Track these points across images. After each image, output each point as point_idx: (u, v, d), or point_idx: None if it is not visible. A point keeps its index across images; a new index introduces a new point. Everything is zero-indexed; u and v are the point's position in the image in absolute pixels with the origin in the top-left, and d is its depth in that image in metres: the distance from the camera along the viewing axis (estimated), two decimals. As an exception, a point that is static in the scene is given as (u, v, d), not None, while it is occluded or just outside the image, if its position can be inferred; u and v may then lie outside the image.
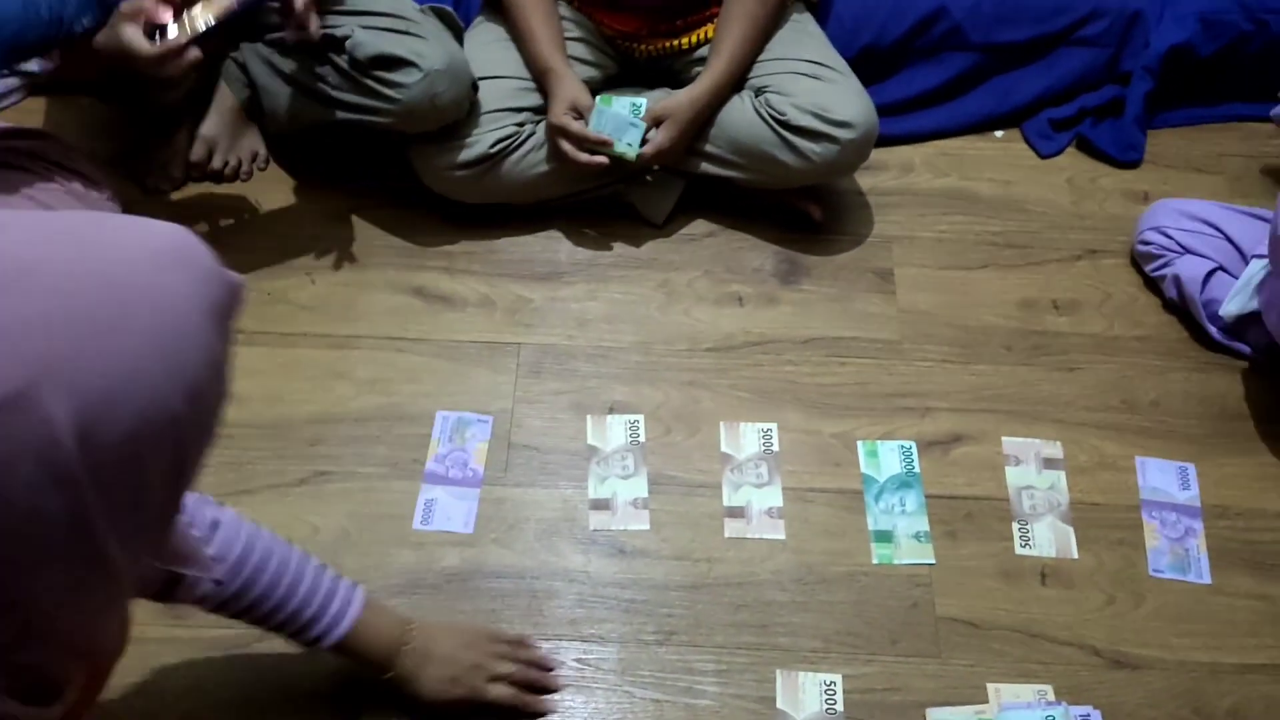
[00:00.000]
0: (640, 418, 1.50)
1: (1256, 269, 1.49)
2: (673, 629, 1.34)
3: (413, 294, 1.61)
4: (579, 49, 1.64)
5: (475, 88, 1.55)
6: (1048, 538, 1.42)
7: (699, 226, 1.71)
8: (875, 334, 1.60)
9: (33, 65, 1.74)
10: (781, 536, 1.41)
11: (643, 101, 1.58)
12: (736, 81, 1.60)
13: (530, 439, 1.48)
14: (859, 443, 1.49)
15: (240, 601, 1.06)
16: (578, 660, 1.31)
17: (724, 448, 1.48)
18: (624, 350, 1.57)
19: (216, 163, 1.67)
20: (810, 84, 1.57)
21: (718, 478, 1.46)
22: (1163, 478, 1.48)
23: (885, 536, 1.42)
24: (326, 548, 1.37)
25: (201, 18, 1.23)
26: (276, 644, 1.29)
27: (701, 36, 1.65)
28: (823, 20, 1.74)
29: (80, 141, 1.49)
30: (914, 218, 1.75)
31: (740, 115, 1.59)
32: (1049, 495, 1.46)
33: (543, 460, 1.46)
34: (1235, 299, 1.51)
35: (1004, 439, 1.50)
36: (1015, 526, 1.43)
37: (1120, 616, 1.37)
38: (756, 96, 1.59)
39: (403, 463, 1.45)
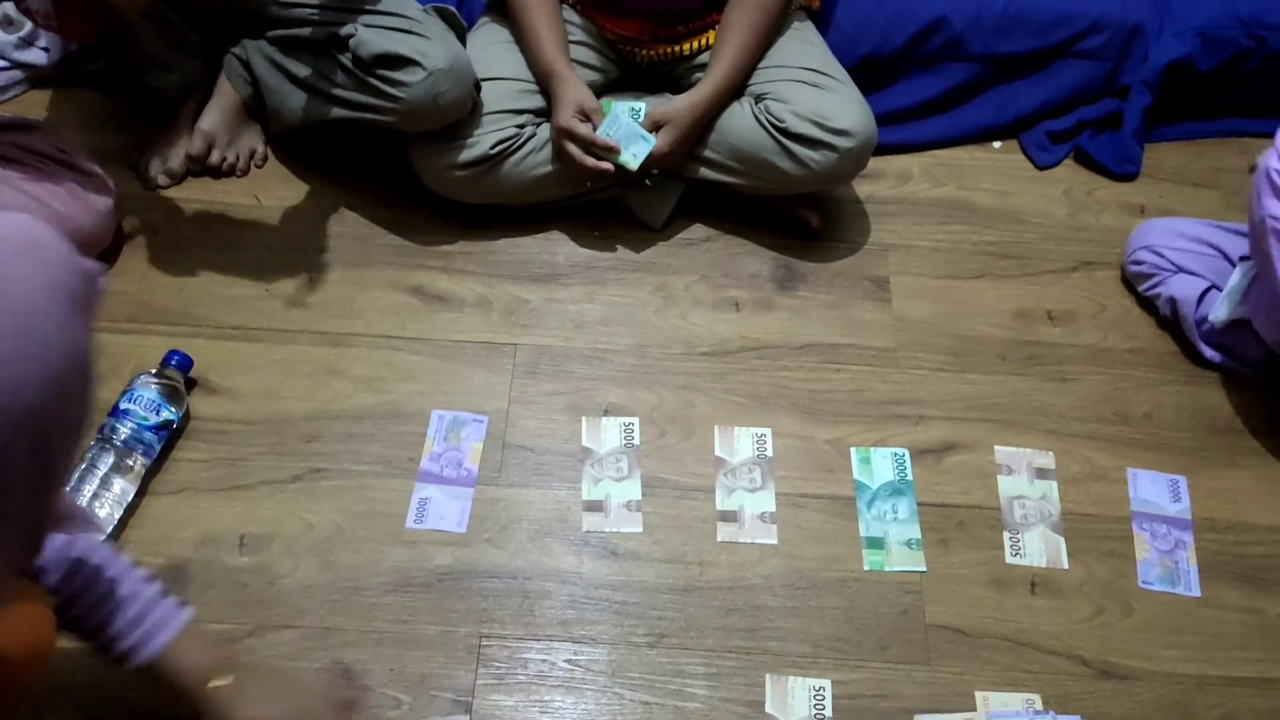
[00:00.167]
0: (635, 420, 1.51)
1: (1243, 273, 1.50)
2: (663, 631, 1.34)
3: (410, 293, 1.61)
4: (581, 52, 1.64)
5: (478, 88, 1.56)
6: (1038, 547, 1.43)
7: (697, 231, 1.72)
8: (870, 341, 1.61)
9: (36, 57, 1.75)
10: (774, 541, 1.42)
11: (641, 106, 1.58)
12: (737, 87, 1.60)
13: (525, 440, 1.48)
14: (852, 449, 1.50)
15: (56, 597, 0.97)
16: (568, 661, 1.31)
17: (718, 452, 1.49)
18: (620, 353, 1.58)
19: (214, 158, 1.68)
20: (810, 92, 1.57)
21: (711, 482, 1.46)
22: (1154, 490, 1.49)
23: (877, 543, 1.42)
24: (320, 544, 1.37)
25: None
26: (267, 638, 1.30)
27: (703, 43, 1.65)
28: (823, 29, 1.75)
29: (81, 135, 1.49)
30: (911, 226, 1.75)
31: (740, 121, 1.59)
32: (1040, 505, 1.47)
33: (537, 461, 1.47)
34: (1224, 304, 1.51)
35: (996, 448, 1.51)
36: (1006, 535, 1.44)
37: (1109, 627, 1.38)
38: (756, 103, 1.59)
39: (397, 461, 1.45)
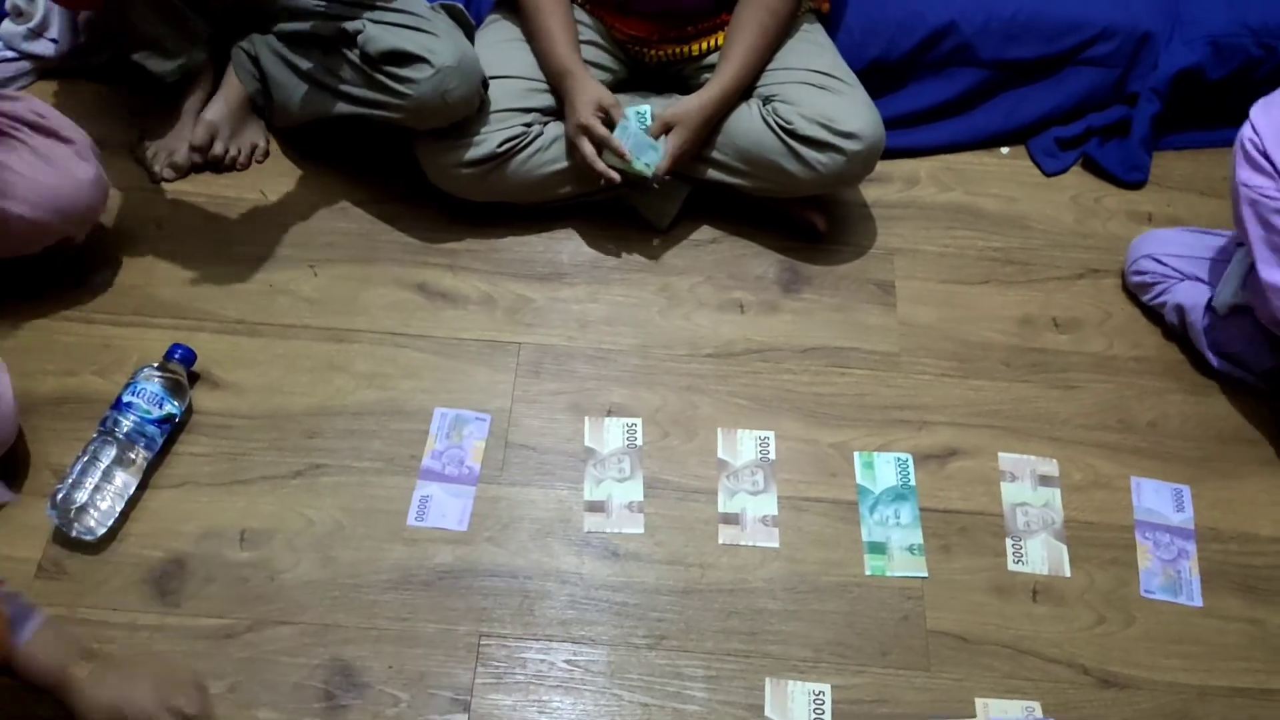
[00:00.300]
0: (638, 421, 1.50)
1: (1242, 257, 1.49)
2: (663, 633, 1.34)
3: (415, 290, 1.61)
4: (590, 51, 1.64)
5: (486, 85, 1.55)
6: (1040, 555, 1.43)
7: (703, 232, 1.71)
8: (875, 345, 1.61)
9: (44, 49, 1.75)
10: (775, 544, 1.41)
11: (647, 108, 1.58)
12: (745, 88, 1.60)
13: (527, 439, 1.48)
14: (855, 454, 1.49)
15: None
16: (567, 661, 1.31)
17: (721, 454, 1.48)
18: (624, 353, 1.57)
19: (217, 149, 1.67)
20: (818, 94, 1.57)
21: (713, 484, 1.46)
22: (1157, 499, 1.49)
23: (879, 548, 1.42)
24: (320, 540, 1.37)
25: None
26: (266, 633, 1.30)
27: (712, 44, 1.65)
28: (833, 31, 1.75)
29: (87, 127, 1.48)
30: (917, 231, 1.75)
31: (748, 123, 1.59)
32: (1043, 512, 1.46)
33: (539, 460, 1.46)
34: (1225, 287, 1.51)
35: (1000, 455, 1.51)
36: (1009, 542, 1.43)
37: (1110, 636, 1.37)
38: (765, 105, 1.59)
39: (399, 458, 1.45)
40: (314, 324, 1.56)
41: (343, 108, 1.57)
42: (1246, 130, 1.39)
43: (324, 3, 1.54)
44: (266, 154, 1.73)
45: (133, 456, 1.36)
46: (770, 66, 1.62)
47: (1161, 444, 1.54)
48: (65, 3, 1.59)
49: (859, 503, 1.45)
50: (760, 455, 1.48)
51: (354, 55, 1.51)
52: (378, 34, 1.48)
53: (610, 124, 1.54)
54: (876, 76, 1.76)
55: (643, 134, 1.54)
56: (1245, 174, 1.39)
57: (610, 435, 1.49)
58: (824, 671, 1.32)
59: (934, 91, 1.83)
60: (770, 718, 1.28)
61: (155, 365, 1.42)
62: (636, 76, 1.71)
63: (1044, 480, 1.49)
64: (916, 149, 1.84)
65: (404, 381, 1.52)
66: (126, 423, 1.36)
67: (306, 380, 1.51)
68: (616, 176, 1.54)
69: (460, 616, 1.33)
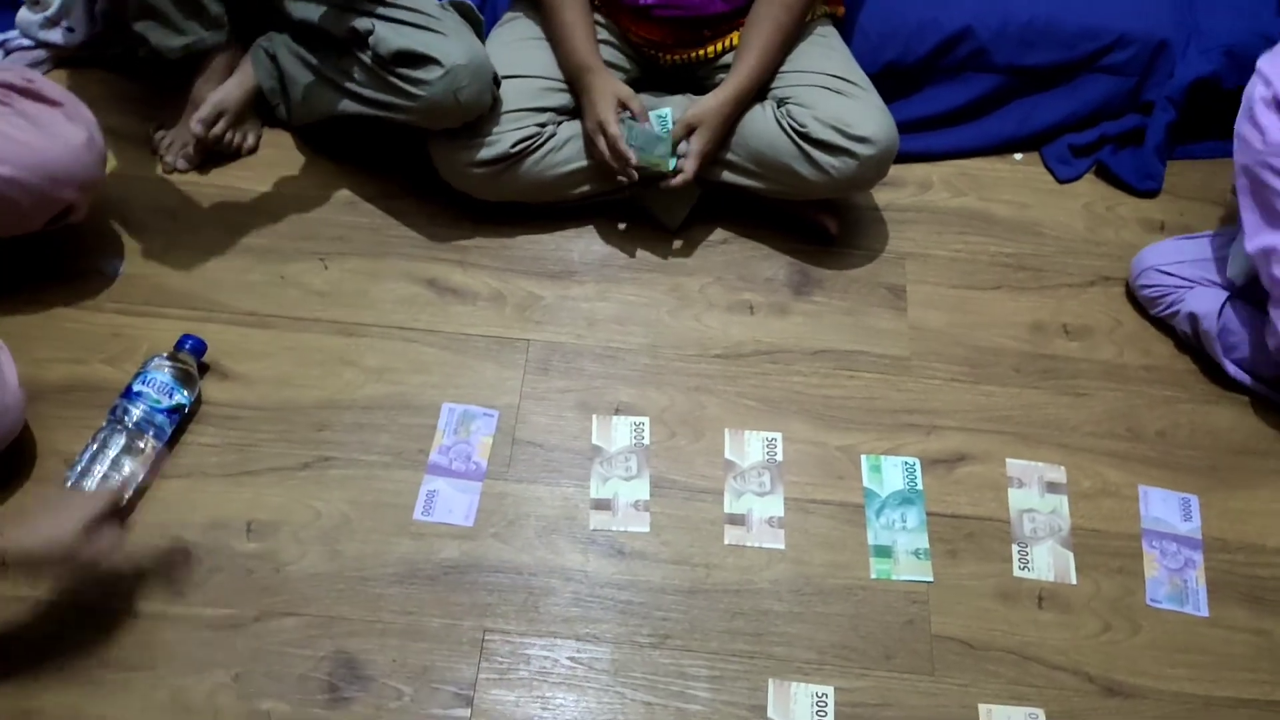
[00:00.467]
0: (645, 420, 1.50)
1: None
2: (668, 632, 1.34)
3: (425, 285, 1.61)
4: (605, 52, 1.64)
5: (497, 82, 1.55)
6: (1047, 562, 1.42)
7: (714, 233, 1.71)
8: (885, 349, 1.60)
9: (61, 37, 1.76)
10: (781, 546, 1.41)
11: (667, 112, 1.58)
12: (762, 85, 1.60)
13: (535, 435, 1.48)
14: (863, 457, 1.49)
15: None
16: (571, 659, 1.31)
17: (728, 454, 1.48)
18: (633, 352, 1.57)
19: (219, 128, 1.66)
20: (832, 98, 1.57)
21: (720, 484, 1.46)
22: (1165, 508, 1.48)
23: (884, 552, 1.41)
24: (327, 533, 1.37)
25: None
26: (271, 624, 1.30)
27: (727, 44, 1.65)
28: (848, 35, 1.75)
29: (102, 116, 1.48)
30: (929, 235, 1.75)
31: (761, 126, 1.59)
32: (1050, 519, 1.46)
33: (546, 457, 1.46)
34: (1237, 260, 1.50)
35: (1008, 461, 1.50)
36: (1015, 549, 1.43)
37: (1116, 644, 1.37)
38: (779, 107, 1.59)
39: (407, 452, 1.45)
40: (324, 317, 1.56)
41: (357, 108, 1.57)
42: (1257, 85, 1.38)
43: None
44: (255, 150, 1.73)
45: (141, 445, 1.36)
46: (785, 69, 1.61)
47: (1170, 453, 1.53)
48: None
49: (865, 506, 1.45)
50: (767, 456, 1.48)
51: (366, 57, 1.52)
52: (387, 34, 1.49)
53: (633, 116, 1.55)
54: (891, 80, 1.76)
55: (651, 131, 1.54)
56: (1242, 124, 1.39)
57: (617, 434, 1.49)
58: (828, 674, 1.32)
59: (948, 96, 1.83)
60: (773, 719, 1.28)
61: (165, 355, 1.42)
62: (650, 77, 1.71)
63: (1052, 487, 1.49)
64: (930, 154, 1.84)
65: (413, 376, 1.52)
66: (136, 411, 1.36)
67: (316, 373, 1.51)
68: (634, 175, 1.54)
69: (465, 612, 1.33)
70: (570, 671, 1.30)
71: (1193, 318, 1.58)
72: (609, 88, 1.55)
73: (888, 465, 1.48)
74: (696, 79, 1.70)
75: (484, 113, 1.55)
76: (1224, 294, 1.57)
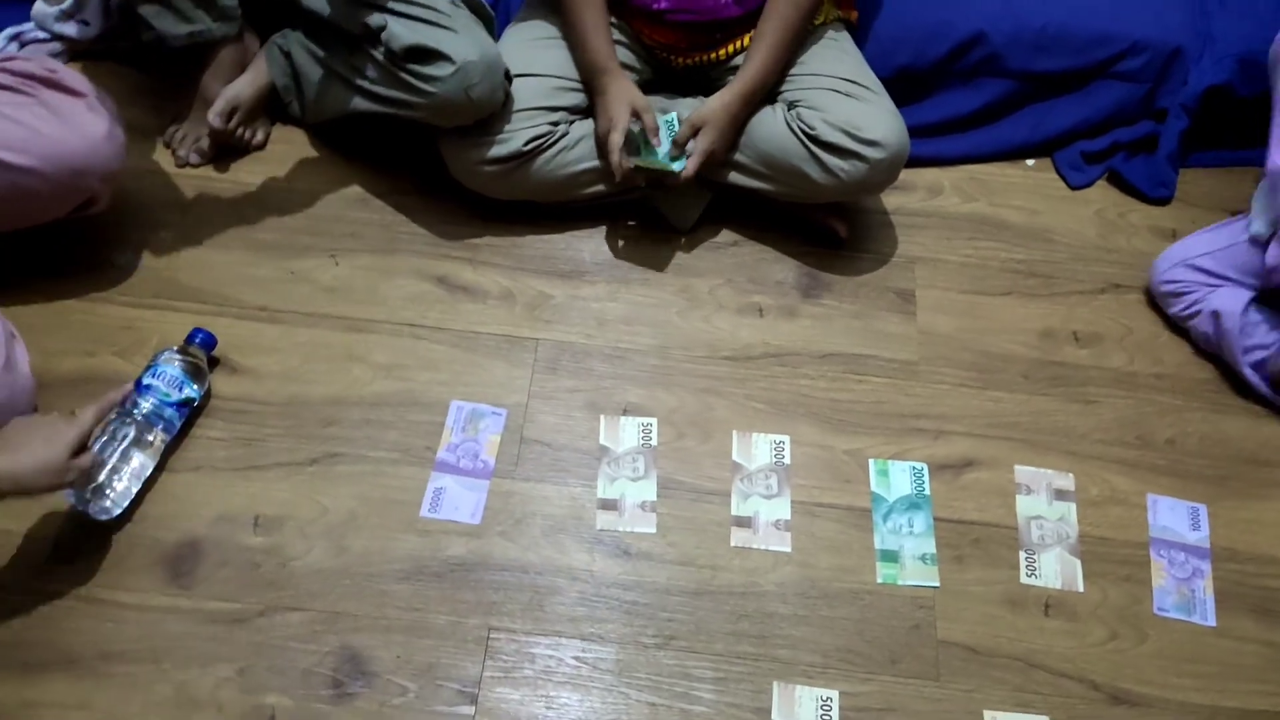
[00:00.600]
0: (653, 421, 1.50)
1: (1268, 183, 1.48)
2: (673, 634, 1.34)
3: (435, 283, 1.61)
4: (619, 53, 1.63)
5: (509, 79, 1.55)
6: (1054, 569, 1.42)
7: (724, 236, 1.71)
8: (893, 353, 1.60)
9: (76, 30, 1.76)
10: (787, 549, 1.41)
11: (673, 116, 1.58)
12: (770, 85, 1.60)
13: (542, 434, 1.48)
14: (871, 461, 1.49)
15: None
16: (575, 658, 1.31)
17: (735, 457, 1.48)
18: (641, 353, 1.57)
19: (233, 121, 1.67)
20: (843, 101, 1.56)
21: (727, 486, 1.45)
22: (1173, 517, 1.48)
23: (891, 556, 1.41)
24: (333, 529, 1.37)
25: None
26: (276, 619, 1.31)
27: (738, 46, 1.65)
28: (861, 39, 1.74)
29: (117, 109, 1.49)
30: (939, 240, 1.74)
31: (771, 128, 1.59)
32: (1058, 526, 1.45)
33: (554, 457, 1.46)
34: (1259, 218, 1.49)
35: (1016, 467, 1.50)
36: (1022, 555, 1.43)
37: (1122, 653, 1.36)
38: (789, 110, 1.59)
39: (414, 449, 1.45)
40: (334, 313, 1.57)
41: (369, 105, 1.57)
42: None
43: None
44: (262, 146, 1.74)
45: (150, 438, 1.37)
46: (796, 73, 1.61)
47: (1180, 462, 1.53)
48: None
49: (873, 510, 1.45)
50: (775, 459, 1.48)
51: (379, 54, 1.52)
52: (399, 30, 1.49)
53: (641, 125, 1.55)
54: (904, 84, 1.75)
55: (666, 144, 1.55)
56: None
57: (625, 434, 1.49)
58: (832, 678, 1.32)
59: (961, 101, 1.82)
60: (777, 722, 1.28)
61: (176, 349, 1.43)
62: (663, 79, 1.71)
63: (1060, 494, 1.48)
64: (941, 158, 1.83)
65: (421, 373, 1.52)
66: (146, 404, 1.37)
67: (325, 369, 1.51)
68: (637, 179, 1.54)
69: (470, 609, 1.33)
70: (575, 671, 1.30)
71: (1215, 316, 1.57)
72: (624, 95, 1.55)
73: (895, 470, 1.48)
74: (709, 81, 1.69)
75: (496, 110, 1.55)
76: (1249, 293, 1.56)
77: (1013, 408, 1.56)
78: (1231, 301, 1.56)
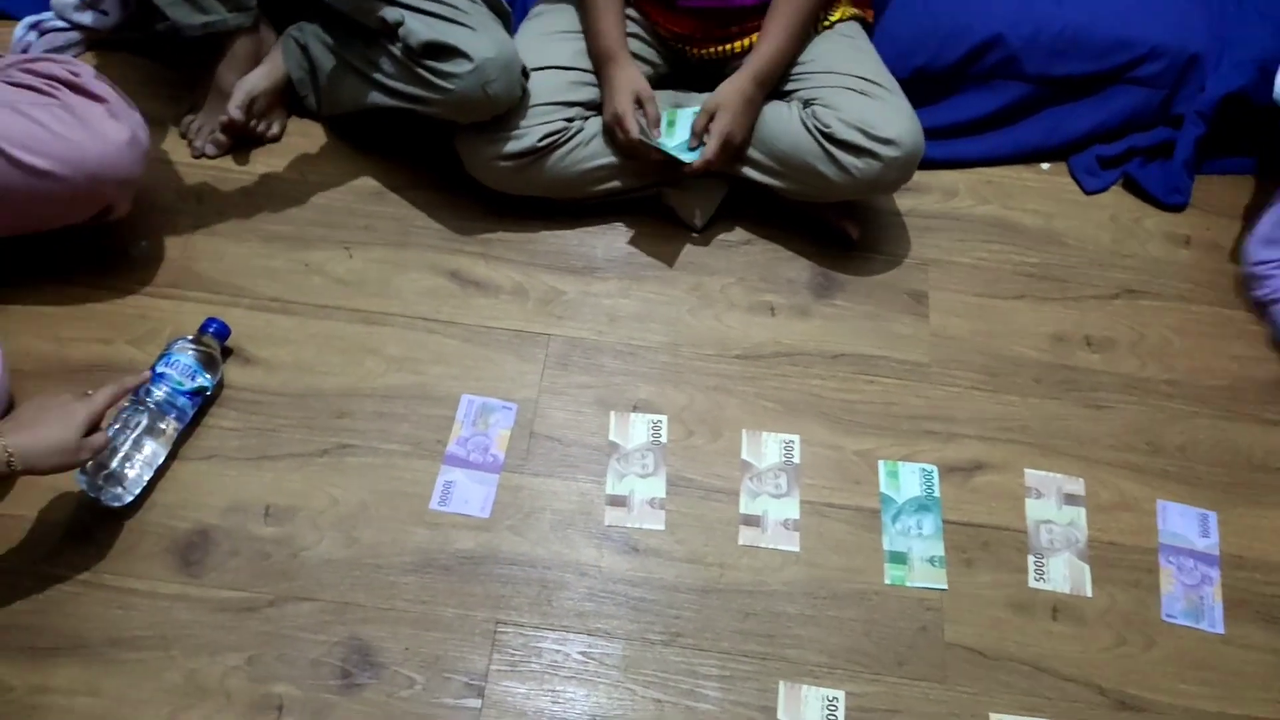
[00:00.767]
0: (663, 418, 1.50)
1: None
2: (679, 631, 1.34)
3: (448, 277, 1.62)
4: (634, 45, 1.64)
5: (526, 75, 1.56)
6: (1063, 573, 1.42)
7: (737, 234, 1.71)
8: (905, 355, 1.60)
9: (94, 20, 1.77)
10: (795, 549, 1.41)
11: (690, 111, 1.58)
12: (782, 68, 1.59)
13: (553, 430, 1.48)
14: (880, 462, 1.49)
15: None
16: (582, 654, 1.31)
17: (745, 455, 1.48)
18: (653, 350, 1.57)
19: (251, 113, 1.67)
20: (858, 99, 1.56)
21: (736, 484, 1.46)
22: (1183, 523, 1.47)
23: (899, 558, 1.41)
24: (344, 520, 1.38)
25: None
26: (286, 608, 1.31)
27: (753, 41, 1.64)
28: (878, 40, 1.74)
29: (134, 100, 1.49)
30: (953, 243, 1.74)
31: (785, 125, 1.59)
32: (1067, 531, 1.45)
33: (563, 452, 1.47)
34: None
35: (1026, 471, 1.50)
36: (1031, 559, 1.42)
37: (1129, 658, 1.36)
38: (805, 108, 1.59)
39: (425, 442, 1.45)
40: (347, 305, 1.57)
41: (386, 100, 1.58)
42: None
43: None
44: (278, 139, 1.74)
45: (163, 427, 1.37)
46: (812, 70, 1.61)
47: (1190, 468, 1.53)
48: None
49: (881, 511, 1.45)
50: (784, 459, 1.48)
51: (396, 49, 1.52)
52: (417, 26, 1.49)
53: (645, 116, 1.56)
54: (920, 86, 1.75)
55: (682, 137, 1.55)
56: None
57: (635, 431, 1.49)
58: (839, 678, 1.32)
59: (977, 103, 1.82)
60: (783, 721, 1.28)
61: (189, 338, 1.43)
62: (678, 72, 1.72)
63: (1070, 499, 1.48)
64: (956, 160, 1.83)
65: (433, 367, 1.52)
66: (159, 393, 1.37)
67: (338, 361, 1.52)
68: (658, 154, 1.55)
69: (478, 602, 1.34)
70: (581, 666, 1.31)
71: None
72: (629, 83, 1.55)
73: (905, 471, 1.48)
74: (724, 76, 1.69)
75: (513, 105, 1.55)
76: None
77: (1024, 411, 1.56)
78: None
